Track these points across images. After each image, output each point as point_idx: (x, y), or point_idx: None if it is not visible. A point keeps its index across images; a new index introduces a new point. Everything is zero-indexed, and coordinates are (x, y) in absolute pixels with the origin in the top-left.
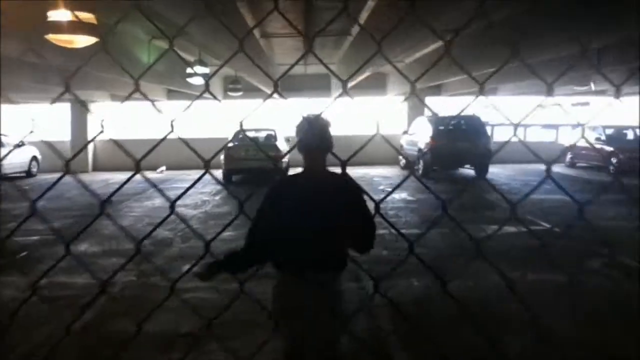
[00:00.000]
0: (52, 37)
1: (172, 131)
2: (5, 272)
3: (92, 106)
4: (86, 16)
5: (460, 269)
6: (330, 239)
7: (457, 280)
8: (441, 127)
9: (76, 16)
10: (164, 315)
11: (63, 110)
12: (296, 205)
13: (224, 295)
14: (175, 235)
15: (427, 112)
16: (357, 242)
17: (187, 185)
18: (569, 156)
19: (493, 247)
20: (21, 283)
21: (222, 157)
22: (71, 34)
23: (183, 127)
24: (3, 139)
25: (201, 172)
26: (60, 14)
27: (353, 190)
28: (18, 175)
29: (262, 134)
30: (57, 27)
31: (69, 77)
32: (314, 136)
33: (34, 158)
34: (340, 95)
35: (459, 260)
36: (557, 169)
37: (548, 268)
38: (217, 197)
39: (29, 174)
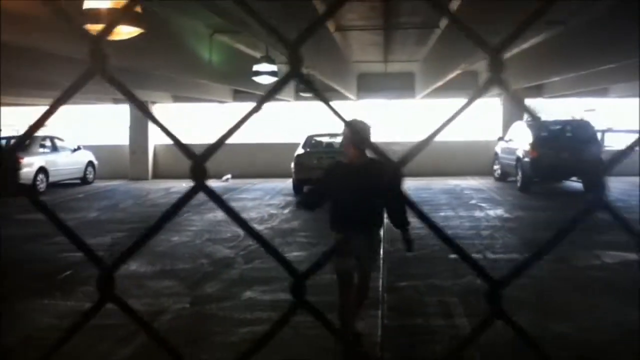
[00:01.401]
0: (90, 27)
1: None
2: (44, 294)
3: (153, 108)
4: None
5: (571, 305)
6: (371, 205)
7: (568, 321)
8: (543, 134)
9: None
10: (218, 353)
11: (122, 111)
12: (346, 180)
13: (287, 331)
14: (237, 255)
15: (526, 117)
16: (391, 215)
17: (253, 195)
18: None
19: (607, 278)
20: (62, 308)
21: (292, 165)
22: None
23: (250, 131)
24: (58, 143)
25: (269, 181)
26: (98, 2)
27: (387, 172)
28: (73, 182)
29: (337, 140)
30: (95, 16)
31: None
32: (357, 134)
33: (90, 163)
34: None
35: (570, 294)
36: None
37: None
38: (286, 211)
39: (84, 180)
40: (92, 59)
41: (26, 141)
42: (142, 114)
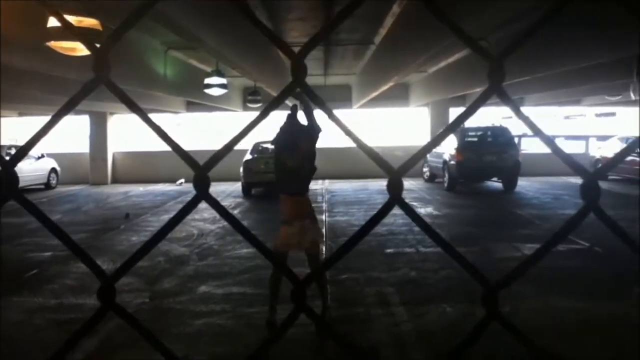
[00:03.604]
0: (53, 44)
1: None
2: (12, 292)
3: (112, 118)
4: (90, 22)
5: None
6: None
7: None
8: (467, 139)
9: (65, 22)
10: (176, 344)
11: (82, 122)
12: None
13: (240, 321)
14: (191, 253)
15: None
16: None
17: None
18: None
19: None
20: (30, 304)
21: (241, 170)
22: (73, 41)
23: (202, 138)
24: None
25: (219, 184)
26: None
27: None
28: (37, 187)
29: None
30: (58, 34)
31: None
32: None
33: (53, 170)
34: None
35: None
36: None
37: (594, 294)
38: (236, 211)
39: (47, 186)
40: (96, 69)
41: (28, 151)
42: (144, 121)
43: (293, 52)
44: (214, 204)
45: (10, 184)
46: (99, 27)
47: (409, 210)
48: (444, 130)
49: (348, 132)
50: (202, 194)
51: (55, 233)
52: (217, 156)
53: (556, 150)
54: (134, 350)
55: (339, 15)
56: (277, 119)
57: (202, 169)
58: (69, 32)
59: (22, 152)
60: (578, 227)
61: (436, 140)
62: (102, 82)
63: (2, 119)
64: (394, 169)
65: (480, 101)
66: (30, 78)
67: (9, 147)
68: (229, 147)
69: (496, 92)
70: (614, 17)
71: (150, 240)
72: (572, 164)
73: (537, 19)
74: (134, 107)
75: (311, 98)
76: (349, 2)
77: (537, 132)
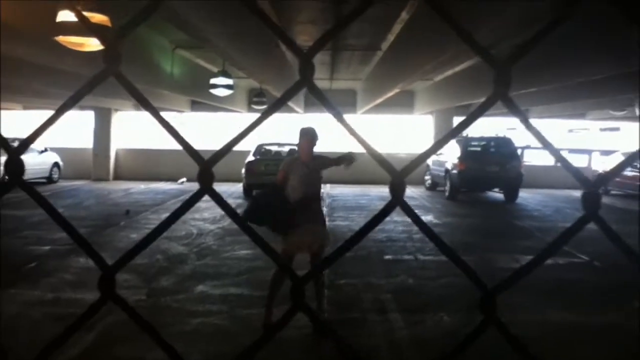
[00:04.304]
0: (62, 39)
1: None
2: (12, 285)
3: (116, 115)
4: (100, 18)
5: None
6: (317, 197)
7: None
8: (470, 149)
9: (78, 17)
10: (172, 342)
11: (87, 117)
12: (299, 175)
13: (236, 322)
14: (190, 252)
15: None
16: None
17: (205, 197)
18: None
19: (524, 279)
20: (28, 297)
21: (243, 171)
22: (82, 37)
23: (205, 137)
24: None
25: (221, 185)
26: (70, 15)
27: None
28: (39, 181)
29: (285, 149)
30: (67, 29)
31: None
32: (307, 137)
33: (56, 164)
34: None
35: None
36: None
37: (592, 306)
38: (237, 211)
39: (50, 180)
40: (106, 61)
41: (32, 142)
42: (152, 115)
43: (302, 51)
44: (217, 199)
45: (16, 172)
46: (108, 24)
47: (410, 212)
48: (446, 135)
49: (353, 133)
50: (206, 188)
51: (59, 222)
52: (222, 152)
53: (560, 158)
54: (131, 346)
55: (349, 15)
56: (282, 120)
57: (206, 163)
58: (84, 27)
59: (29, 140)
60: (577, 237)
61: (438, 144)
62: (113, 74)
63: (6, 112)
64: (397, 171)
65: (484, 107)
66: (34, 71)
67: (12, 141)
68: (233, 144)
69: (501, 99)
70: (621, 30)
71: (152, 232)
72: (575, 173)
73: (544, 26)
74: (142, 100)
75: (319, 99)
76: (359, 2)
77: (542, 140)
